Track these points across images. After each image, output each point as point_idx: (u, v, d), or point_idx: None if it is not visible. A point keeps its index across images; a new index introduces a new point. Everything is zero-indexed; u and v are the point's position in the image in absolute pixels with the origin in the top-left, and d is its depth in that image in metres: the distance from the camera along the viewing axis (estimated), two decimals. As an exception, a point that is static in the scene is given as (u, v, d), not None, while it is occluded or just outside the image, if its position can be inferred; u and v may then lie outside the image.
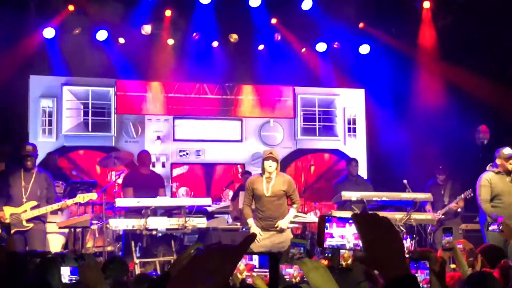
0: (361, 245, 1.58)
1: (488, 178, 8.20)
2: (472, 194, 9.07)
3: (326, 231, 1.96)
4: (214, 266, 1.37)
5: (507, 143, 9.94)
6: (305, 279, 2.58)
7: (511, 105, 10.27)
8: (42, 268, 4.28)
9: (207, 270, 1.37)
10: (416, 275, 2.86)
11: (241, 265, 2.18)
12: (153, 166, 11.10)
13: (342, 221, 2.05)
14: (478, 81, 10.76)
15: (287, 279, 3.00)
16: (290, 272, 2.60)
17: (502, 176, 8.20)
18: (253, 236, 1.48)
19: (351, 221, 1.60)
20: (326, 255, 4.45)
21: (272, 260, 1.45)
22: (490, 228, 5.44)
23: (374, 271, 3.63)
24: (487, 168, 8.36)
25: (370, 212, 1.63)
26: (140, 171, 9.87)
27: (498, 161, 8.24)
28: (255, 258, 2.08)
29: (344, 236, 2.73)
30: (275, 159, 7.68)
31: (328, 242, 1.92)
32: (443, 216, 9.68)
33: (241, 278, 2.16)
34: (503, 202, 8.05)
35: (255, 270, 2.28)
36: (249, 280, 2.39)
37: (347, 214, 8.63)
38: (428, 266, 2.91)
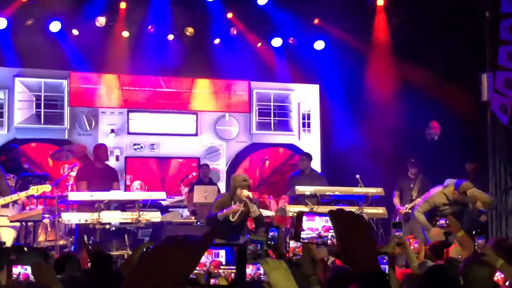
0: (334, 239, 1.64)
1: (437, 202, 8.51)
2: None
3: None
4: (174, 261, 1.32)
5: (457, 139, 10.19)
6: (262, 277, 2.61)
7: (462, 102, 10.50)
8: None
9: (166, 264, 1.32)
10: None
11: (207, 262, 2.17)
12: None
13: (313, 215, 2.09)
14: (429, 77, 10.97)
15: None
16: (248, 271, 2.60)
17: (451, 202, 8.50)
18: (216, 230, 1.46)
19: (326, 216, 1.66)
20: (269, 243, 4.48)
21: (239, 253, 1.44)
22: (437, 223, 5.61)
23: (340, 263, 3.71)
24: (444, 187, 8.57)
25: (345, 209, 1.69)
26: (94, 164, 9.79)
27: (456, 195, 8.43)
28: (222, 254, 2.06)
29: (316, 228, 2.78)
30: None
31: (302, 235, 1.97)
32: (410, 211, 9.81)
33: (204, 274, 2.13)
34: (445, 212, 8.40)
35: (221, 267, 2.29)
36: (213, 281, 2.36)
37: (301, 208, 8.74)
38: (386, 261, 2.98)
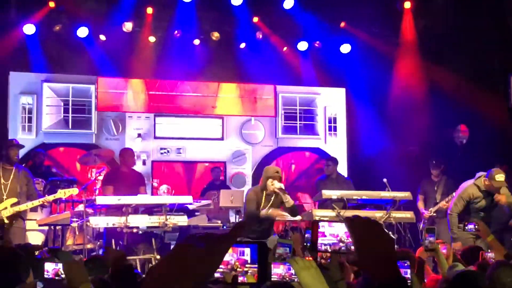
0: (353, 246, 1.61)
1: (471, 194, 8.27)
2: None
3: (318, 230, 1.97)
4: (198, 257, 1.29)
5: (485, 144, 10.06)
6: (294, 278, 2.59)
7: (490, 104, 10.38)
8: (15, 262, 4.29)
9: (188, 264, 1.29)
10: None
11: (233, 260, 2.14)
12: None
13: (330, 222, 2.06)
14: (458, 80, 10.87)
15: (275, 279, 2.97)
16: (278, 271, 2.59)
17: (484, 194, 8.27)
18: (242, 224, 1.43)
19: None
20: (305, 244, 4.48)
21: (260, 249, 1.41)
22: (467, 228, 5.53)
23: (351, 266, 3.66)
24: (474, 179, 8.35)
25: (362, 216, 1.65)
26: (121, 169, 9.84)
27: (487, 181, 8.22)
28: (247, 252, 2.02)
29: (337, 235, 2.75)
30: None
31: (321, 241, 1.93)
32: (434, 214, 9.69)
33: (233, 275, 2.09)
34: (482, 218, 8.10)
35: (247, 265, 2.26)
36: (241, 279, 2.35)
37: (328, 212, 8.69)
38: (408, 265, 2.94)
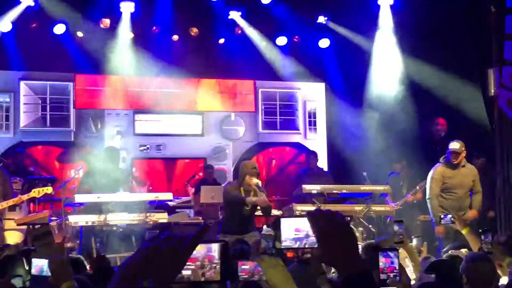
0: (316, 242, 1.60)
1: (441, 171, 8.28)
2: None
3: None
4: (163, 257, 1.31)
5: (463, 136, 10.12)
6: (262, 276, 2.59)
7: (468, 97, 10.45)
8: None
9: (156, 261, 1.30)
10: (382, 263, 2.92)
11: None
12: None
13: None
14: (435, 73, 10.93)
15: (244, 276, 2.97)
16: (246, 268, 2.58)
17: (454, 169, 8.29)
18: (208, 226, 1.43)
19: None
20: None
21: (223, 247, 1.38)
22: (442, 222, 5.54)
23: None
24: (440, 160, 8.44)
25: (323, 209, 1.64)
26: (103, 166, 9.80)
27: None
28: (215, 248, 2.00)
29: (303, 230, 2.74)
30: None
31: (286, 236, 1.92)
32: (401, 207, 9.79)
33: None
34: (454, 195, 8.13)
35: (215, 262, 2.24)
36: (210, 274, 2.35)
37: (308, 207, 8.71)
38: (395, 255, 2.96)
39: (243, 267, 2.82)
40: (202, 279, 1.28)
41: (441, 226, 7.84)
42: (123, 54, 11.61)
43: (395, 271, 2.93)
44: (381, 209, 9.31)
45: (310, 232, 2.12)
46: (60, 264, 3.20)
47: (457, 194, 8.20)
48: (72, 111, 11.54)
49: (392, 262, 2.95)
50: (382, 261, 2.91)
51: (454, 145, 8.31)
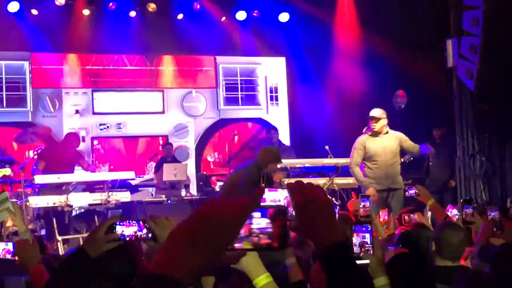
0: (293, 213, 1.56)
1: (363, 141, 8.14)
2: (411, 159, 9.06)
3: None
4: (216, 225, 1.20)
5: (423, 108, 10.23)
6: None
7: (428, 69, 10.52)
8: None
9: (208, 229, 1.20)
10: (355, 238, 2.92)
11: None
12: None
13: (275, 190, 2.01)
14: (395, 46, 10.97)
15: None
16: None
17: (375, 137, 8.15)
18: (263, 190, 1.34)
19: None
20: None
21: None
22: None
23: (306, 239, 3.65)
24: (363, 131, 8.27)
25: (304, 181, 1.61)
26: (59, 146, 9.65)
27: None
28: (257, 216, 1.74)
29: (278, 200, 2.70)
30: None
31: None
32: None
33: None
34: (378, 162, 8.03)
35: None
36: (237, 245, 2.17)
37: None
38: (368, 229, 2.96)
39: None
40: (259, 245, 1.21)
41: (371, 188, 7.75)
42: (79, 32, 11.37)
43: (367, 245, 2.94)
44: (344, 182, 9.35)
45: (284, 203, 2.08)
46: (27, 246, 3.13)
47: (380, 161, 7.99)
48: (29, 90, 11.29)
49: (364, 237, 2.95)
50: (355, 236, 2.92)
51: (373, 112, 8.09)
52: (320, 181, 9.07)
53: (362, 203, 5.15)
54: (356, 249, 2.94)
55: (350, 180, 9.40)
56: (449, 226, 3.82)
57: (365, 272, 2.55)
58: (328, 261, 1.55)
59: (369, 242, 2.95)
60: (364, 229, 2.94)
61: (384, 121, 8.06)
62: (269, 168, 7.41)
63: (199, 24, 11.90)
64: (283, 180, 7.56)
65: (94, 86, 11.73)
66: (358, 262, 2.89)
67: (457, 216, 4.81)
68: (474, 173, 9.72)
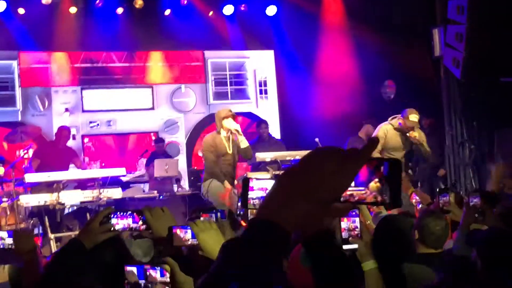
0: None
1: (386, 130, 8.25)
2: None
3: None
4: (326, 174, 1.15)
5: (412, 97, 10.26)
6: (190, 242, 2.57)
7: (415, 58, 10.56)
8: None
9: (316, 178, 1.14)
10: (343, 222, 2.98)
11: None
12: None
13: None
14: (382, 36, 11.00)
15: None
16: (181, 235, 2.55)
17: (398, 133, 8.26)
18: (376, 139, 1.23)
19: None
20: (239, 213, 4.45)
21: (394, 166, 1.22)
22: None
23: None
24: (388, 120, 8.40)
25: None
26: (52, 144, 9.65)
27: (401, 120, 8.30)
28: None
29: (265, 188, 2.73)
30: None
31: (249, 195, 1.88)
32: None
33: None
34: (393, 156, 8.12)
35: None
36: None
37: (263, 175, 8.73)
38: (356, 214, 3.01)
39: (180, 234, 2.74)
40: (370, 200, 1.16)
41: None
42: (67, 30, 11.35)
43: (357, 229, 2.99)
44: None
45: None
46: (23, 235, 3.13)
47: (395, 156, 8.19)
48: (18, 90, 11.28)
49: (354, 221, 3.00)
50: (344, 220, 2.96)
51: (415, 117, 8.23)
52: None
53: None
54: (344, 234, 2.98)
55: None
56: (430, 215, 3.84)
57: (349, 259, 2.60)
58: (312, 248, 1.57)
59: (358, 226, 3.00)
60: (354, 213, 2.99)
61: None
62: (225, 125, 7.58)
63: (187, 19, 11.90)
64: (236, 129, 7.69)
65: (83, 84, 11.72)
66: (346, 247, 2.94)
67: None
68: (463, 161, 9.78)
